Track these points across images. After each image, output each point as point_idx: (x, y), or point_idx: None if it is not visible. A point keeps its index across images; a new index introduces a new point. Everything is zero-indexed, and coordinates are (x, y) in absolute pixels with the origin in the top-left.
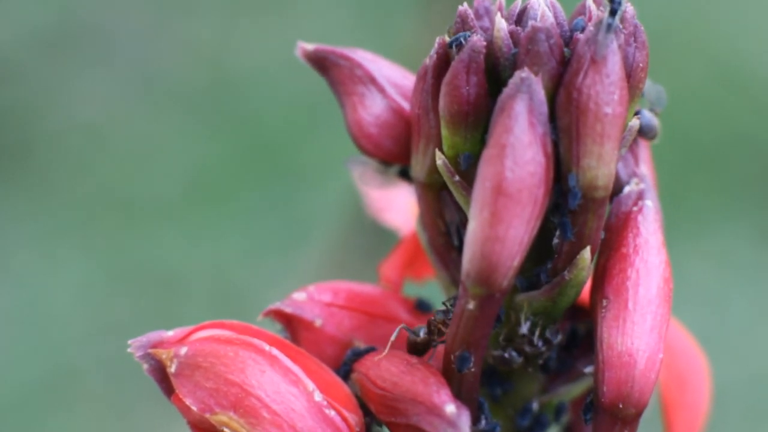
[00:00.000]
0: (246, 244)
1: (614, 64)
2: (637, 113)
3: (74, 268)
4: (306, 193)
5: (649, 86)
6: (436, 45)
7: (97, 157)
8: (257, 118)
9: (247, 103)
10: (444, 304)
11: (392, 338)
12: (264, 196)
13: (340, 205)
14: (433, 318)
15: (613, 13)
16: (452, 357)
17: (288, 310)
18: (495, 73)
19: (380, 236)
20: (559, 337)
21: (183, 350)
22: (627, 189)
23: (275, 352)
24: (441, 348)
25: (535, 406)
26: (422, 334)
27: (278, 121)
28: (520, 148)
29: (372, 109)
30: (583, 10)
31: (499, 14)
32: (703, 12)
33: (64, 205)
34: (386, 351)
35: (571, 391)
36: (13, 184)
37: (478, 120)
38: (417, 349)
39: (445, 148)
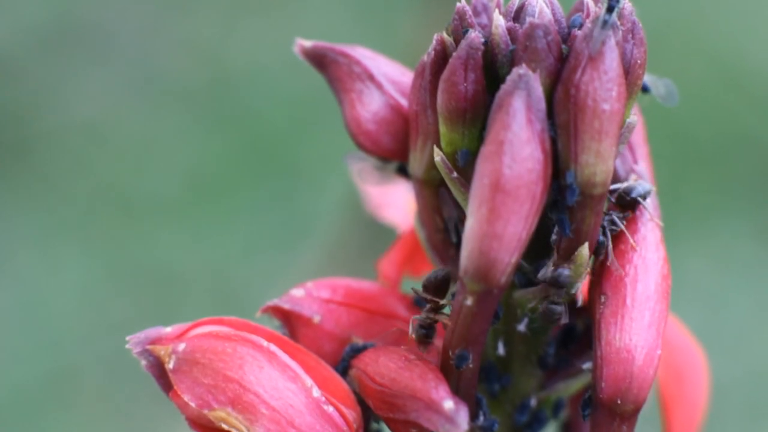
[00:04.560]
0: (245, 241)
1: (612, 61)
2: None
3: (73, 266)
4: (305, 191)
5: (655, 81)
6: (434, 42)
7: (97, 155)
8: (257, 116)
9: (246, 101)
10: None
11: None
12: (263, 194)
13: (339, 203)
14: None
15: (609, 9)
16: (450, 353)
17: (286, 306)
18: (493, 69)
19: (378, 233)
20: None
21: (181, 346)
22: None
23: (273, 348)
24: (439, 344)
25: (533, 402)
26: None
27: (277, 118)
28: (518, 144)
29: (370, 106)
30: (581, 7)
31: (497, 11)
32: (703, 11)
33: (63, 204)
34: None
35: (570, 387)
36: (12, 182)
37: (476, 116)
38: (425, 335)
39: (443, 144)
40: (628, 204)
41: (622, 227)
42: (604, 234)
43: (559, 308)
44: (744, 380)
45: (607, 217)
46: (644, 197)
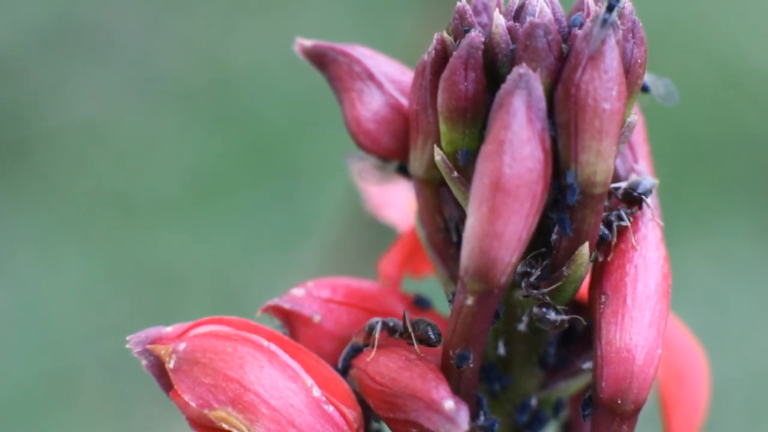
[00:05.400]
0: (245, 241)
1: (612, 60)
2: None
3: (73, 266)
4: (305, 191)
5: (655, 81)
6: (434, 41)
7: (97, 155)
8: (257, 115)
9: (246, 100)
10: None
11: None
12: (263, 194)
13: (339, 203)
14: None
15: (609, 8)
16: (451, 353)
17: (286, 306)
18: (493, 69)
19: (379, 232)
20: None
21: (182, 346)
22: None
23: (274, 347)
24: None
25: (533, 402)
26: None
27: (278, 118)
28: (518, 143)
29: (370, 105)
30: (581, 6)
31: (497, 10)
32: (703, 10)
33: (63, 204)
34: (373, 353)
35: (570, 387)
36: (12, 182)
37: (477, 116)
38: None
39: (443, 144)
40: (635, 200)
41: (628, 223)
42: (610, 229)
43: (554, 314)
44: (745, 381)
45: (614, 212)
46: (650, 192)
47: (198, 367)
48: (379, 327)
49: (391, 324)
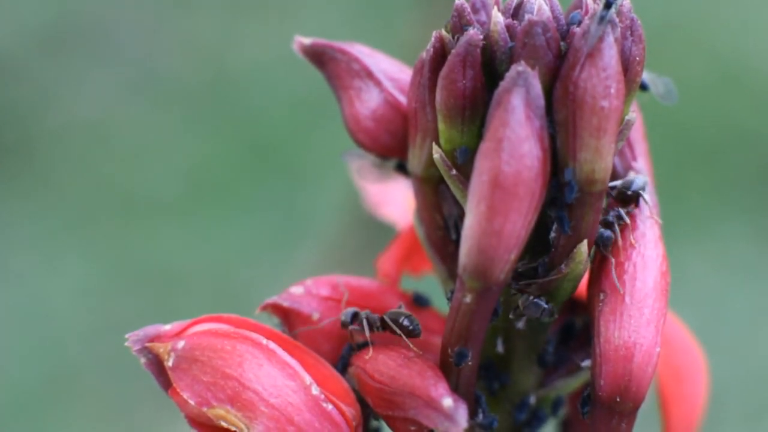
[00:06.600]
0: (246, 241)
1: (610, 58)
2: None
3: (74, 266)
4: (305, 190)
5: (654, 79)
6: (432, 39)
7: (98, 155)
8: (257, 115)
9: (247, 100)
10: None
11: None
12: (264, 194)
13: (338, 201)
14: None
15: (607, 5)
16: (449, 351)
17: (285, 304)
18: (492, 66)
19: (378, 230)
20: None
21: (180, 344)
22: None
23: (273, 345)
24: (438, 341)
25: (532, 399)
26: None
27: (278, 118)
28: (516, 141)
29: (369, 103)
30: (579, 4)
31: (495, 8)
32: (703, 8)
33: (64, 204)
34: (371, 351)
35: (569, 384)
36: (13, 182)
37: (475, 114)
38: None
39: (442, 142)
40: (629, 198)
41: (628, 221)
42: (612, 229)
43: (543, 303)
44: (743, 380)
45: (613, 212)
46: (643, 188)
47: (197, 365)
48: (366, 324)
49: (365, 315)
